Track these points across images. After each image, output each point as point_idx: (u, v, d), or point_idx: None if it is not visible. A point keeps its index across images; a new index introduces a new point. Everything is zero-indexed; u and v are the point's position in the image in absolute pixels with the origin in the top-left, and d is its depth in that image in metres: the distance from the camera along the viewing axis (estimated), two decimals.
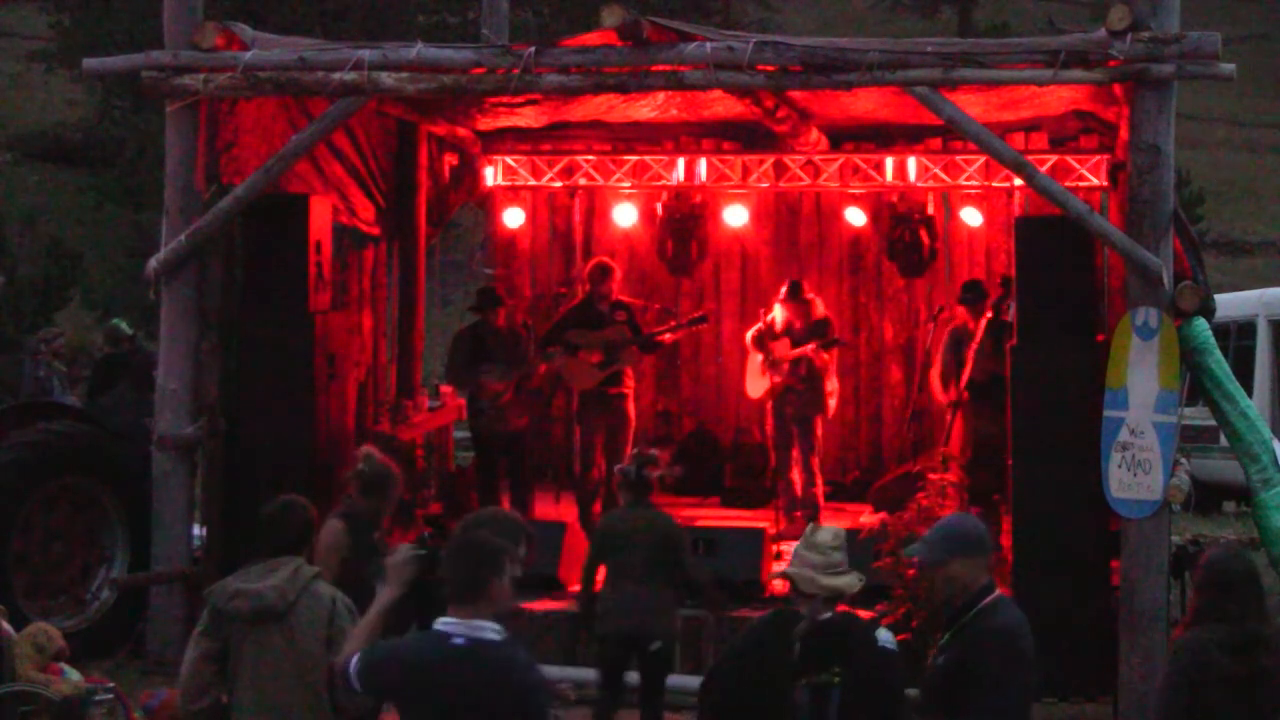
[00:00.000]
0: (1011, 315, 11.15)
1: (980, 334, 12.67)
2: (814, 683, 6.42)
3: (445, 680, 5.28)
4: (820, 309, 13.08)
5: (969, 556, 6.01)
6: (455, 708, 5.27)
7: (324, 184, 12.17)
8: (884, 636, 6.72)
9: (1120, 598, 9.97)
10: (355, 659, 5.51)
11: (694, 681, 8.18)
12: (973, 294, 13.09)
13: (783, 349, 12.80)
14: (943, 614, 6.23)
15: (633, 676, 9.08)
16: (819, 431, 12.99)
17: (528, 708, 5.35)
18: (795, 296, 12.91)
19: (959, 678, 5.90)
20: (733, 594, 10.72)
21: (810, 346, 12.73)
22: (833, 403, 13.08)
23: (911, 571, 10.40)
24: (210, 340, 11.04)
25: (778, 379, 12.84)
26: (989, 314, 12.77)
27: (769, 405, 13.04)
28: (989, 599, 5.99)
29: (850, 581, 6.70)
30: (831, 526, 7.08)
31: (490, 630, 5.34)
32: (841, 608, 6.78)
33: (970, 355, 12.64)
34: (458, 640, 5.31)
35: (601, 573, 9.08)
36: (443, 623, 5.37)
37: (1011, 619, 6.02)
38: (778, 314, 12.94)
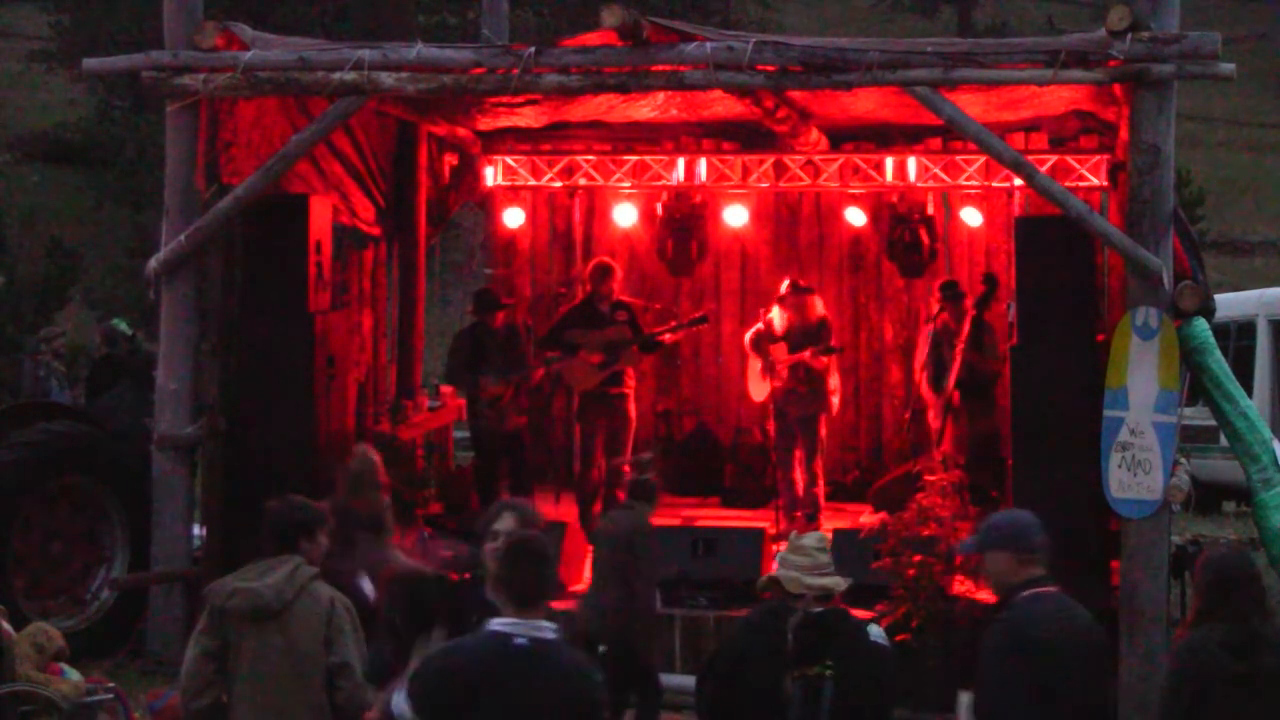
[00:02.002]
0: (1012, 314, 11.14)
1: (965, 333, 12.68)
2: (806, 675, 6.43)
3: (512, 682, 5.23)
4: (819, 309, 13.02)
5: (1002, 550, 6.12)
6: (523, 708, 5.21)
7: (324, 184, 12.17)
8: (875, 632, 6.76)
9: (1120, 598, 9.96)
10: (400, 691, 5.45)
11: (691, 681, 8.17)
12: (951, 293, 13.10)
13: (780, 353, 12.76)
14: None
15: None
16: (823, 432, 12.92)
17: (592, 706, 5.35)
18: (795, 295, 12.86)
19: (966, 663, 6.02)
20: (733, 594, 10.73)
21: (807, 353, 12.70)
22: (835, 400, 13.06)
23: (911, 571, 10.41)
24: (210, 340, 11.05)
25: (778, 383, 12.82)
26: (972, 312, 12.77)
27: (771, 406, 13.02)
28: (1020, 596, 6.04)
29: (837, 581, 6.73)
30: (816, 532, 7.14)
31: (548, 629, 5.33)
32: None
33: (958, 355, 12.65)
34: (520, 641, 5.28)
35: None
36: (500, 624, 5.33)
37: (1019, 619, 5.99)
38: (776, 315, 12.89)
